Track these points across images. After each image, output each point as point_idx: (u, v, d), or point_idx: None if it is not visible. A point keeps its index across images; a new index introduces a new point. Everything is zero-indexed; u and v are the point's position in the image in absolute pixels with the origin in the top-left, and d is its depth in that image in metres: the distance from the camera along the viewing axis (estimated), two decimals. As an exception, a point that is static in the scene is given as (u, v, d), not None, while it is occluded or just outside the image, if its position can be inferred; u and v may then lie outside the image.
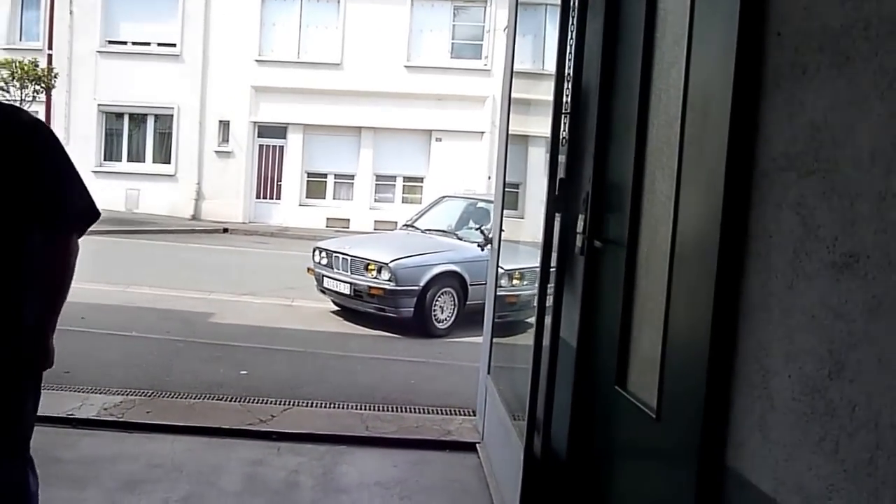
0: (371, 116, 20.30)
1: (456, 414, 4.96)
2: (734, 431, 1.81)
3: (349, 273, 8.24)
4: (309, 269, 8.98)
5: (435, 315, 8.16)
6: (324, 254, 8.73)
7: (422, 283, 7.90)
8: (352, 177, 20.81)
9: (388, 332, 8.01)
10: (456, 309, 8.29)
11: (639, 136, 2.45)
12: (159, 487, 3.59)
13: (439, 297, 8.17)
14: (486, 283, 7.51)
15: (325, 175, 20.93)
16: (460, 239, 8.78)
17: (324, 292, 8.76)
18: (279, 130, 20.86)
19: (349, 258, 8.29)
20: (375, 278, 7.98)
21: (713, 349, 1.86)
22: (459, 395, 5.35)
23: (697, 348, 1.93)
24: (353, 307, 8.45)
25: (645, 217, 2.41)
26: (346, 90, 19.97)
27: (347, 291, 8.24)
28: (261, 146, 21.02)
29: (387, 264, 7.90)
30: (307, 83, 20.10)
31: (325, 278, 8.54)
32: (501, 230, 4.30)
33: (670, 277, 2.13)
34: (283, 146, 20.95)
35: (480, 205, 9.74)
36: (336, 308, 8.95)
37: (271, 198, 21.09)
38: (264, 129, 20.90)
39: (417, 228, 9.60)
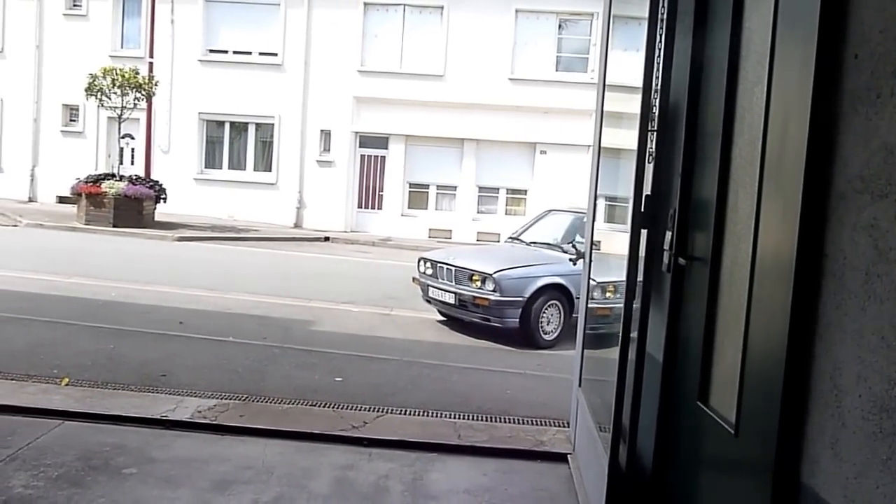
0: (474, 128, 20.39)
1: (550, 425, 4.98)
2: (809, 448, 1.82)
3: (454, 283, 8.36)
4: (414, 279, 9.12)
5: (542, 327, 8.19)
6: (429, 264, 8.84)
7: (527, 295, 7.94)
8: (454, 188, 20.89)
9: (493, 342, 8.09)
10: (562, 321, 8.33)
11: (723, 154, 2.47)
12: (249, 489, 3.69)
13: (546, 308, 8.20)
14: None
15: (426, 186, 21.07)
16: (566, 252, 8.75)
17: (429, 302, 8.89)
18: (381, 141, 21.07)
19: (454, 269, 8.39)
20: (480, 288, 8.07)
21: (789, 367, 1.88)
22: (555, 407, 5.35)
23: (774, 366, 1.95)
24: (458, 316, 8.58)
25: (728, 235, 2.44)
26: (448, 101, 20.12)
27: (452, 301, 8.36)
28: (362, 156, 21.28)
29: (491, 275, 7.97)
30: (409, 94, 20.30)
31: (430, 288, 8.67)
32: (592, 243, 4.34)
33: (750, 295, 2.15)
34: (384, 156, 21.16)
35: (574, 218, 9.78)
36: (442, 318, 9.07)
37: (373, 207, 21.31)
38: (366, 140, 21.14)
39: (523, 241, 9.63)
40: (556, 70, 20.45)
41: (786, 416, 1.89)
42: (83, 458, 3.89)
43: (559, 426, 4.90)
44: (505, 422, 5.05)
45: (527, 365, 7.21)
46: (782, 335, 1.91)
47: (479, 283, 8.07)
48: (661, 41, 2.95)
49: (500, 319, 8.00)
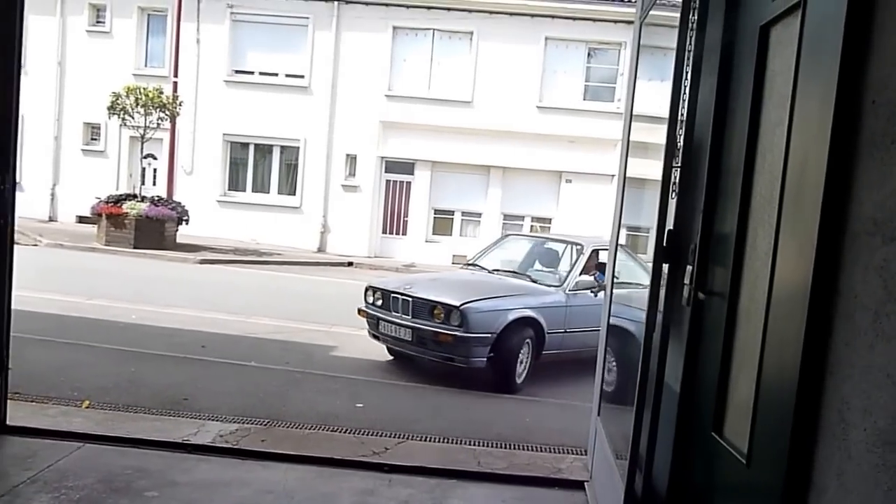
0: (501, 155, 20.45)
1: (568, 452, 5.02)
2: (816, 478, 1.88)
3: (410, 317, 7.29)
4: (360, 311, 7.98)
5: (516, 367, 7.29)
6: (379, 294, 7.79)
7: (497, 330, 7.02)
8: (479, 215, 20.92)
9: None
10: (529, 360, 7.42)
11: (744, 192, 2.54)
12: None
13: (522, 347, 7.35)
14: (563, 332, 7.50)
15: (451, 212, 21.12)
16: (535, 282, 8.06)
17: (377, 338, 7.83)
18: (407, 166, 21.15)
19: (411, 300, 7.32)
20: (443, 323, 7.02)
21: (800, 400, 1.94)
22: (573, 434, 5.39)
23: (786, 398, 2.01)
24: (414, 355, 7.55)
25: (746, 271, 2.49)
26: (475, 128, 20.22)
27: (408, 337, 7.30)
28: (388, 181, 21.36)
29: (457, 307, 6.95)
30: (436, 120, 20.39)
31: (381, 322, 7.60)
32: (615, 275, 4.40)
33: (765, 330, 2.21)
34: (410, 182, 21.24)
35: (549, 245, 9.40)
36: (391, 357, 8.21)
37: (397, 233, 21.32)
38: (392, 165, 21.22)
39: (484, 268, 8.79)
40: (584, 99, 20.52)
41: (795, 447, 1.94)
42: (105, 480, 3.91)
43: (576, 454, 4.94)
44: (524, 449, 5.09)
45: (545, 393, 7.22)
46: (794, 369, 1.97)
47: (441, 317, 7.05)
48: (687, 76, 3.03)
49: (466, 359, 7.00)
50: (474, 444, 5.12)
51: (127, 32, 21.76)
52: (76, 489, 3.77)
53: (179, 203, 18.28)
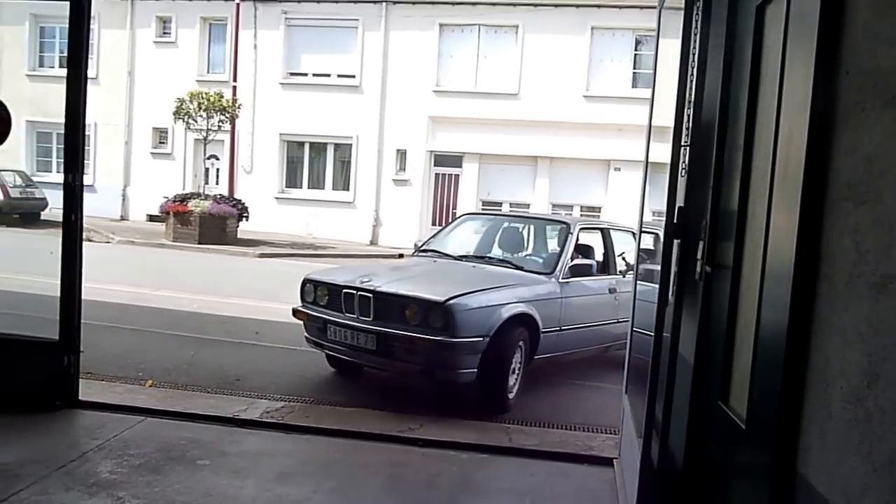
0: (548, 146, 20.46)
1: (601, 432, 5.11)
2: (803, 439, 1.95)
3: (372, 318, 5.56)
4: (297, 312, 6.18)
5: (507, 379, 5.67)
6: (324, 290, 6.00)
7: (490, 332, 5.41)
8: (527, 205, 20.93)
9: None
10: (521, 368, 5.83)
11: (744, 167, 2.61)
12: (309, 481, 3.97)
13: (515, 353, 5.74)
14: (557, 330, 6.05)
15: (500, 204, 21.16)
16: (519, 268, 6.51)
17: (320, 346, 6.04)
18: (455, 159, 21.40)
19: (372, 296, 5.58)
20: (420, 326, 5.35)
21: (788, 363, 2.02)
22: (609, 415, 5.44)
23: (777, 363, 2.09)
24: (376, 367, 5.92)
25: (747, 243, 2.57)
26: (522, 120, 20.27)
27: (370, 345, 5.55)
28: (437, 174, 21.67)
29: (441, 304, 5.28)
30: (484, 113, 20.56)
31: (329, 326, 5.81)
32: (640, 257, 4.47)
33: (760, 300, 2.29)
34: (458, 174, 21.48)
35: (512, 225, 7.79)
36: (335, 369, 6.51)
37: (446, 225, 21.56)
38: (440, 158, 21.52)
39: (447, 255, 7.02)
40: (633, 87, 20.33)
41: (784, 409, 2.02)
42: (162, 449, 4.25)
43: (609, 433, 5.02)
44: (557, 428, 5.20)
45: (583, 376, 7.25)
46: (783, 333, 2.05)
47: (417, 318, 5.38)
48: (694, 58, 3.10)
49: (452, 371, 5.39)
50: (508, 423, 5.28)
51: (190, 41, 22.76)
52: (137, 456, 4.12)
53: (240, 200, 19.01)
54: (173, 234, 18.05)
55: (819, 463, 1.85)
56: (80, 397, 4.93)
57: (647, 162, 4.26)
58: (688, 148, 3.06)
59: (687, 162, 3.07)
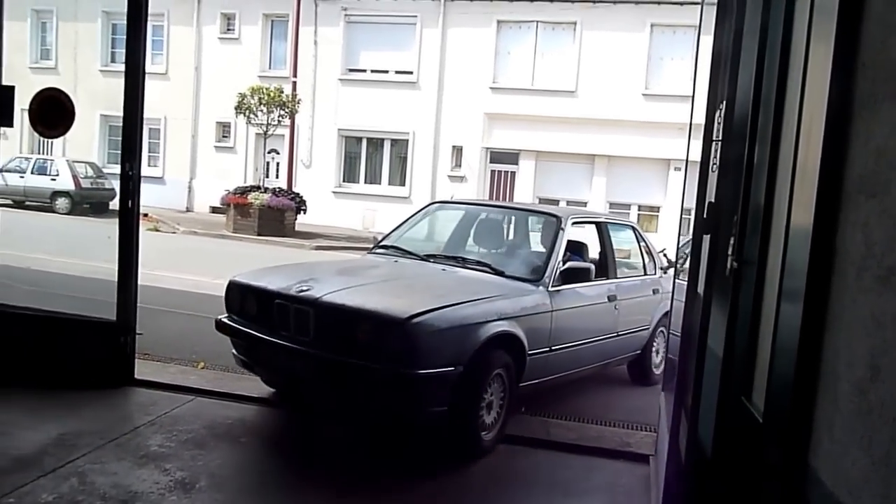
0: (606, 144, 20.37)
1: (640, 429, 5.13)
2: (815, 432, 1.95)
3: (311, 337, 4.35)
4: (220, 325, 4.95)
5: (481, 416, 4.45)
6: (252, 299, 4.78)
7: (465, 360, 4.27)
8: (584, 204, 20.85)
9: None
10: (504, 401, 4.67)
11: (771, 162, 2.60)
12: (337, 461, 4.26)
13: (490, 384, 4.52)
14: (547, 351, 5.01)
15: (556, 202, 20.95)
16: (499, 273, 5.25)
17: (249, 368, 4.98)
18: (511, 156, 21.50)
19: (311, 310, 4.35)
20: (373, 350, 4.13)
21: (801, 356, 2.02)
22: (651, 413, 5.45)
23: (792, 358, 2.09)
24: (316, 402, 4.93)
25: (772, 238, 2.56)
26: (580, 118, 20.25)
27: (307, 372, 4.46)
28: (492, 171, 21.84)
29: (403, 322, 4.08)
30: (541, 110, 20.61)
31: (261, 344, 4.58)
32: (679, 256, 4.45)
33: (780, 295, 2.28)
34: (514, 172, 21.58)
35: (490, 217, 6.52)
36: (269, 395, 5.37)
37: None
38: (497, 155, 21.67)
39: (413, 254, 5.79)
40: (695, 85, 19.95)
41: (797, 403, 2.02)
42: (209, 426, 4.54)
43: (648, 430, 5.02)
44: (596, 424, 5.22)
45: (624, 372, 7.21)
46: (798, 328, 2.05)
47: (369, 339, 4.16)
48: (729, 52, 3.09)
49: (417, 410, 4.25)
50: (548, 417, 5.33)
51: (253, 38, 23.44)
52: (185, 432, 4.41)
53: (298, 194, 19.44)
54: (233, 225, 18.57)
55: (826, 455, 1.85)
56: (135, 376, 5.25)
57: (686, 160, 4.24)
58: (719, 143, 3.05)
59: (718, 157, 3.06)
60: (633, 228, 6.91)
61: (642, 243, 6.75)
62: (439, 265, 5.48)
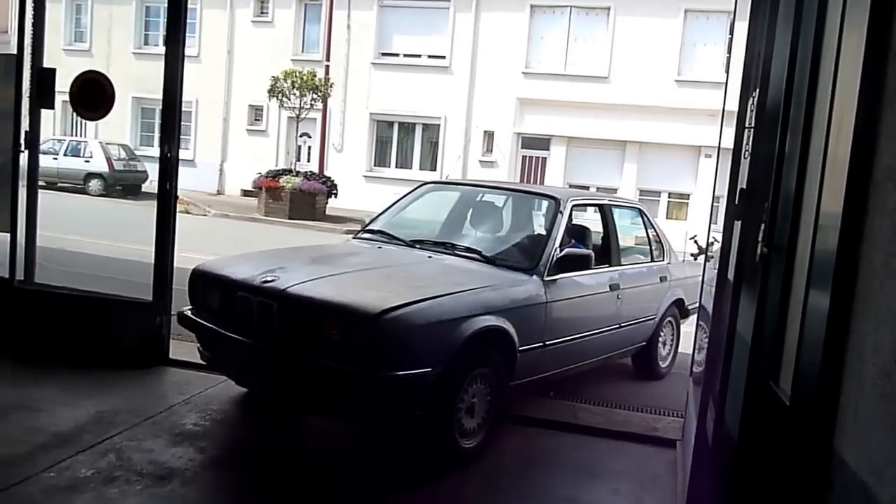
0: (637, 131, 20.27)
1: (668, 415, 5.16)
2: (840, 416, 1.99)
3: (274, 334, 3.98)
4: (182, 318, 4.61)
5: (460, 420, 4.04)
6: (215, 290, 4.38)
7: (446, 359, 3.85)
8: (615, 190, 20.66)
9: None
10: (490, 405, 4.27)
11: (802, 149, 2.62)
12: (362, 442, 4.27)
13: (473, 382, 4.11)
14: (541, 346, 4.65)
15: (586, 187, 20.87)
16: (490, 262, 4.89)
17: (212, 363, 4.70)
18: (543, 142, 21.49)
19: (275, 303, 3.95)
20: (340, 349, 3.72)
21: (828, 342, 2.05)
22: (679, 399, 5.48)
23: (820, 343, 2.12)
24: (283, 403, 4.58)
25: (802, 225, 2.59)
26: (612, 104, 20.18)
27: (271, 373, 4.12)
28: (524, 157, 21.86)
29: (372, 318, 3.65)
30: (573, 96, 20.53)
31: (223, 341, 4.23)
32: (709, 242, 4.46)
33: (808, 281, 2.32)
34: (545, 157, 21.57)
35: (487, 199, 6.06)
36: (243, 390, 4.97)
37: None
38: (528, 141, 21.68)
39: (399, 240, 5.37)
40: (726, 72, 19.73)
41: (823, 387, 2.06)
42: (241, 406, 4.68)
43: (675, 416, 5.05)
44: (624, 409, 5.26)
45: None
46: (826, 313, 2.08)
47: (336, 337, 3.74)
48: (763, 38, 3.10)
49: (388, 416, 3.85)
50: (576, 401, 5.36)
51: (286, 21, 23.51)
52: (218, 412, 4.54)
53: (329, 178, 19.55)
54: (265, 208, 18.75)
55: (851, 438, 1.89)
56: (170, 356, 5.35)
57: (718, 146, 4.25)
58: (752, 130, 3.06)
59: (750, 144, 3.07)
60: (641, 211, 6.57)
61: (650, 229, 6.39)
62: (426, 252, 5.08)
